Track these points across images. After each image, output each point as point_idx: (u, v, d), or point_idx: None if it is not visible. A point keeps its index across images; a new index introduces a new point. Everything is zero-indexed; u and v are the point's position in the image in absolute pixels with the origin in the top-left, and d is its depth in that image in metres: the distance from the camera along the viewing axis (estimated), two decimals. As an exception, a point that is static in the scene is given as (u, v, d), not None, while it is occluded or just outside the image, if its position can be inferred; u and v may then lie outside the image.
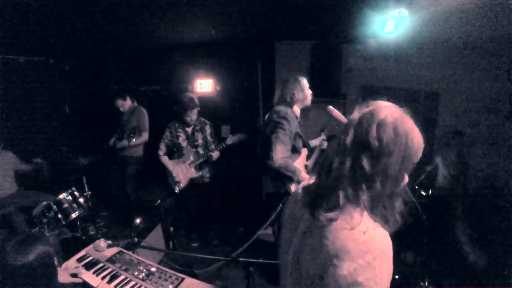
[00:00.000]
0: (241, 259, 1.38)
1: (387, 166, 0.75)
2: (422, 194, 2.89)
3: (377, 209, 0.77)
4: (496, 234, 2.82)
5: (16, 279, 1.15)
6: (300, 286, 0.83)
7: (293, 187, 2.28)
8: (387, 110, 0.78)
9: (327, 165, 0.81)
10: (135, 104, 3.86)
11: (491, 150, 3.19)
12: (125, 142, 3.59)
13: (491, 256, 2.79)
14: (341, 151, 0.79)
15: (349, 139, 0.78)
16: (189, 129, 3.28)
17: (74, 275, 1.72)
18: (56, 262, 1.29)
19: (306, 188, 0.90)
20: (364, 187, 0.76)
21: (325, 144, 2.62)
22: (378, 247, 0.72)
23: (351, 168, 0.76)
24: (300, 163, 2.38)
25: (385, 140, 0.74)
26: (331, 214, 0.76)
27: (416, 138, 0.78)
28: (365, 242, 0.72)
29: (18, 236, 1.21)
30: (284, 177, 2.24)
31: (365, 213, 0.76)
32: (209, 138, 3.34)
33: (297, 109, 2.40)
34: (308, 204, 0.84)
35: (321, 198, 0.80)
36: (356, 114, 0.81)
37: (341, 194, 0.76)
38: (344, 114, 2.43)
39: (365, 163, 0.74)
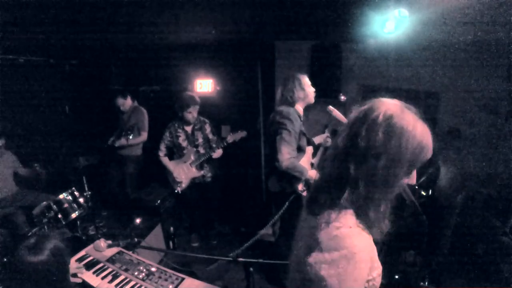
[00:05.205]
0: (241, 259, 1.38)
1: (374, 169, 0.70)
2: (422, 194, 2.89)
3: (362, 211, 0.75)
4: (495, 234, 2.82)
5: (34, 277, 1.20)
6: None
7: (300, 187, 2.29)
8: (383, 108, 0.74)
9: (321, 167, 0.82)
10: (136, 104, 3.88)
11: (490, 150, 3.19)
12: (123, 140, 3.60)
13: (491, 255, 2.79)
14: (333, 153, 0.78)
15: (340, 141, 0.77)
16: (188, 129, 3.27)
17: (74, 275, 1.72)
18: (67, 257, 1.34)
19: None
20: (348, 190, 0.75)
21: (329, 141, 2.61)
22: (347, 246, 0.69)
23: (338, 170, 0.75)
24: (305, 161, 2.39)
25: (374, 142, 0.70)
26: (323, 214, 0.77)
27: (417, 138, 0.71)
28: (334, 238, 0.71)
29: (32, 238, 1.27)
30: (292, 177, 2.24)
31: (349, 211, 0.75)
32: (210, 136, 3.34)
33: (299, 107, 2.40)
34: (306, 201, 0.87)
35: (314, 197, 0.82)
36: (352, 115, 0.79)
37: (325, 194, 0.77)
38: (344, 114, 2.44)
39: (351, 165, 0.73)
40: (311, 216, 0.82)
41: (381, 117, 0.71)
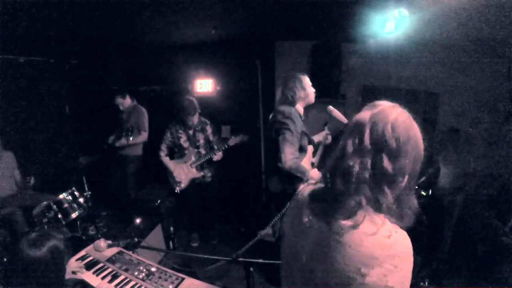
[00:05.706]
0: (241, 259, 1.38)
1: (405, 165, 0.75)
2: (422, 194, 2.89)
3: (399, 209, 0.76)
4: (495, 234, 2.82)
5: (29, 272, 1.23)
6: None
7: (301, 187, 2.26)
8: (396, 111, 0.79)
9: (343, 169, 0.76)
10: (135, 103, 3.87)
11: (491, 150, 3.18)
12: (123, 140, 3.59)
13: (491, 255, 2.79)
14: (359, 152, 0.75)
15: (366, 140, 0.75)
16: (190, 130, 3.28)
17: (73, 273, 1.73)
18: (64, 259, 1.35)
19: (314, 195, 0.87)
20: (386, 188, 0.74)
21: (329, 139, 2.56)
22: (403, 249, 0.73)
23: (372, 169, 0.74)
24: (306, 161, 2.37)
25: (401, 140, 0.74)
26: (351, 221, 0.73)
27: (420, 139, 0.79)
28: (391, 246, 0.71)
29: (34, 232, 1.30)
30: (294, 177, 2.22)
31: (380, 215, 0.75)
32: (211, 137, 3.34)
33: (300, 107, 2.38)
34: (322, 213, 0.80)
35: (338, 205, 0.76)
36: (365, 114, 0.79)
37: (362, 198, 0.74)
38: (344, 114, 2.43)
39: (386, 163, 0.73)
40: (324, 220, 0.79)
41: (400, 120, 0.77)
